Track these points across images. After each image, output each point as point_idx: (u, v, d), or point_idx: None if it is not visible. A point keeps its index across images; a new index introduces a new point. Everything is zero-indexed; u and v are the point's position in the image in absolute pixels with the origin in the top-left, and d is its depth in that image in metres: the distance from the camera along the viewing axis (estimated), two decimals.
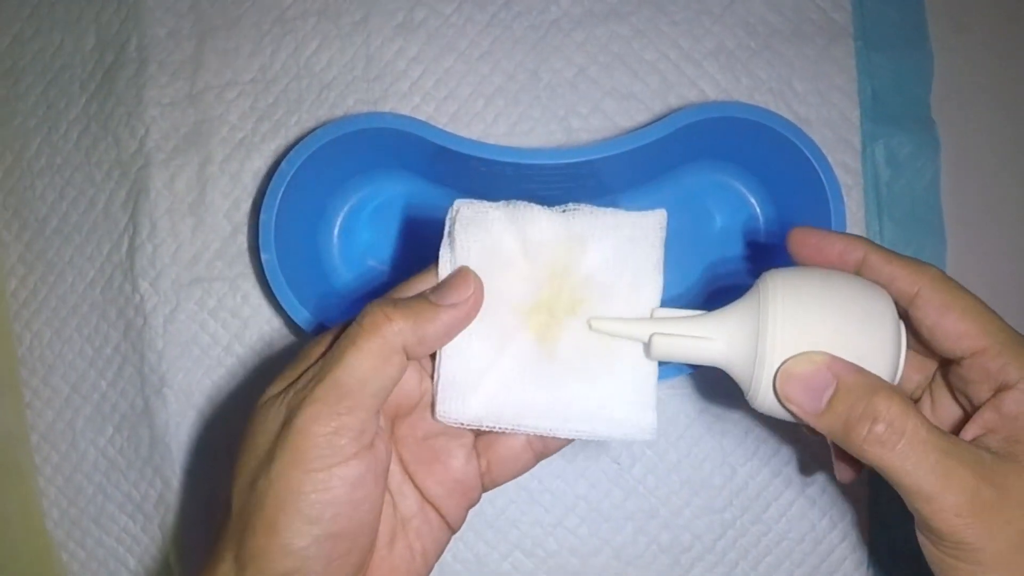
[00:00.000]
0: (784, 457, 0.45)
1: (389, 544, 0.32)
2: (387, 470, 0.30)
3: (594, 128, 0.46)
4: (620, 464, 0.46)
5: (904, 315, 0.31)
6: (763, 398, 0.30)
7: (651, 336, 0.31)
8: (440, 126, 0.46)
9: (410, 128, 0.42)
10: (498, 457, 0.33)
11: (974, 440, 0.29)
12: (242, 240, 0.47)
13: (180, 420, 0.47)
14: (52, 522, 0.48)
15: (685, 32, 0.46)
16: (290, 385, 0.29)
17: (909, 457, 0.27)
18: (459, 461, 0.33)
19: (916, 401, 0.34)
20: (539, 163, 0.42)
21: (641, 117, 0.46)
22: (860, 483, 0.45)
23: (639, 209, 0.33)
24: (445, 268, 0.32)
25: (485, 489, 0.34)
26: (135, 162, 0.47)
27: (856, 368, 0.29)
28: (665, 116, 0.42)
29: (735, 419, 0.46)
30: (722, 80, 0.46)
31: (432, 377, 0.32)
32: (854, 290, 0.30)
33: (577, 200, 0.45)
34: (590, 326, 0.31)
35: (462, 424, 0.31)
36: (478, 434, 0.33)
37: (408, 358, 0.29)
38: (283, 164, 0.42)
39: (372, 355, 0.28)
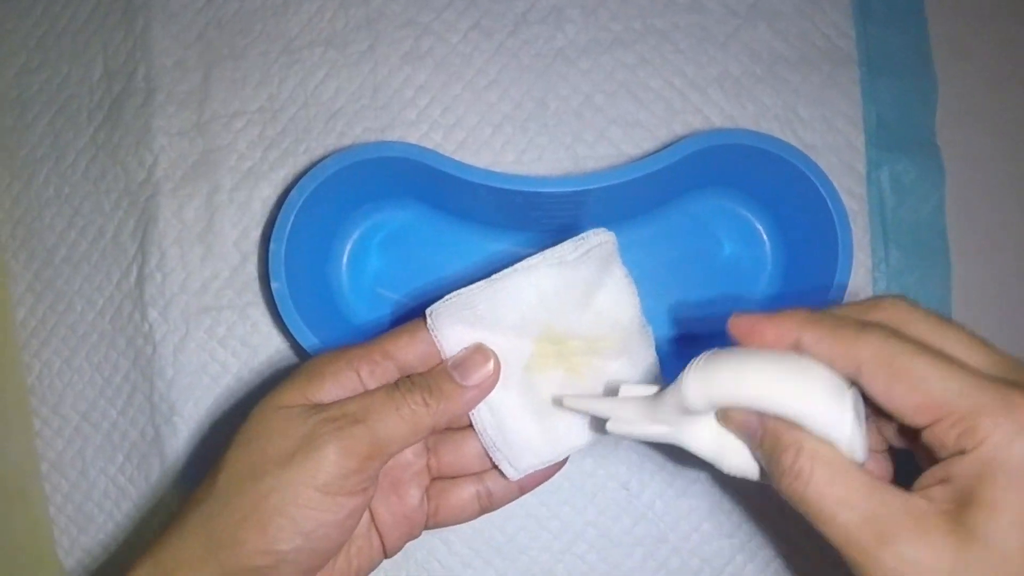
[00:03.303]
0: None
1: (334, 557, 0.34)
2: None
3: (600, 156, 0.47)
4: (629, 490, 0.46)
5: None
6: (730, 461, 0.31)
7: (606, 424, 0.32)
8: (448, 154, 0.46)
9: (419, 157, 0.42)
10: (448, 504, 0.36)
11: (923, 490, 0.27)
12: (251, 268, 0.47)
13: (190, 448, 0.47)
14: (63, 550, 0.49)
15: (690, 60, 0.47)
16: (319, 407, 0.32)
17: (812, 509, 0.27)
18: (414, 500, 0.35)
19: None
20: (547, 191, 0.42)
21: (647, 144, 0.47)
22: None
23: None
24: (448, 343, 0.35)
25: (426, 528, 0.37)
26: (144, 191, 0.48)
27: (775, 419, 0.29)
28: (671, 144, 0.42)
29: None
30: (727, 107, 0.47)
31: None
32: (782, 364, 0.28)
33: (584, 226, 0.46)
34: (563, 403, 0.34)
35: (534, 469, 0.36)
36: (433, 479, 0.36)
37: (433, 432, 0.33)
38: (292, 193, 0.42)
39: (409, 426, 0.32)
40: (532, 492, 0.46)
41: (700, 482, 0.46)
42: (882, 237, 0.46)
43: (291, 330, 0.42)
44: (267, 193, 0.47)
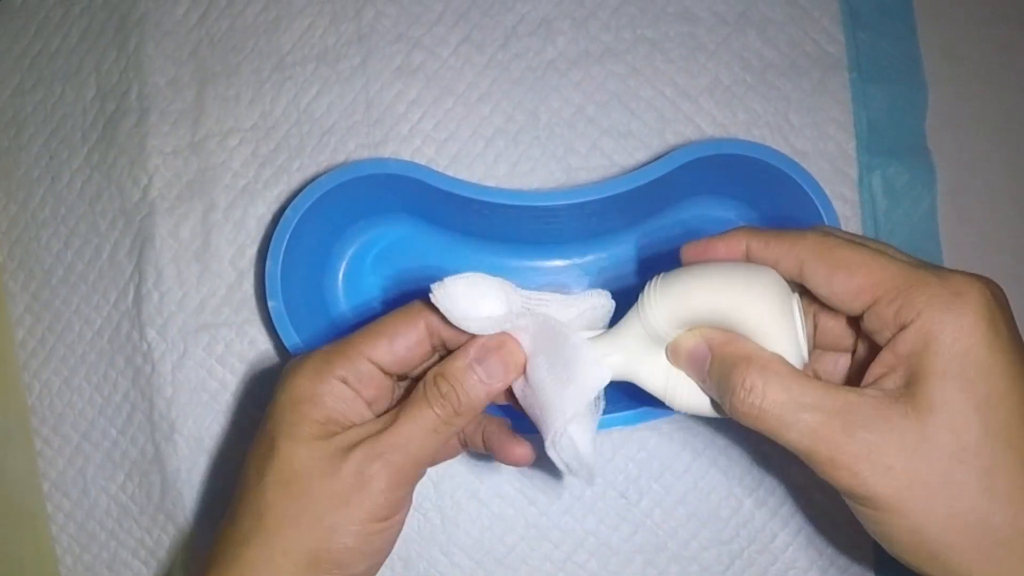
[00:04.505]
0: (789, 487, 0.46)
1: None
2: None
3: (593, 167, 0.47)
4: (628, 499, 0.46)
5: (803, 291, 0.31)
6: (680, 397, 0.32)
7: None
8: (441, 168, 0.46)
9: (412, 173, 0.42)
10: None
11: (875, 382, 0.29)
12: (248, 286, 0.47)
13: (191, 466, 0.47)
14: (66, 568, 0.49)
15: (681, 69, 0.47)
16: (347, 433, 0.32)
17: (773, 421, 0.28)
18: None
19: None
20: (539, 205, 0.43)
21: (639, 155, 0.47)
22: None
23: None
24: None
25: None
26: (139, 211, 0.48)
27: (727, 339, 0.30)
28: (663, 154, 0.43)
29: (740, 452, 0.46)
30: (719, 115, 0.47)
31: None
32: (734, 269, 0.31)
33: (579, 237, 0.47)
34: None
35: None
36: None
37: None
38: (287, 212, 0.42)
39: (443, 439, 0.33)
40: (532, 503, 0.46)
41: (697, 489, 0.46)
42: None
43: (289, 348, 0.42)
44: (262, 211, 0.47)
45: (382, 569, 0.46)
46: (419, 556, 0.47)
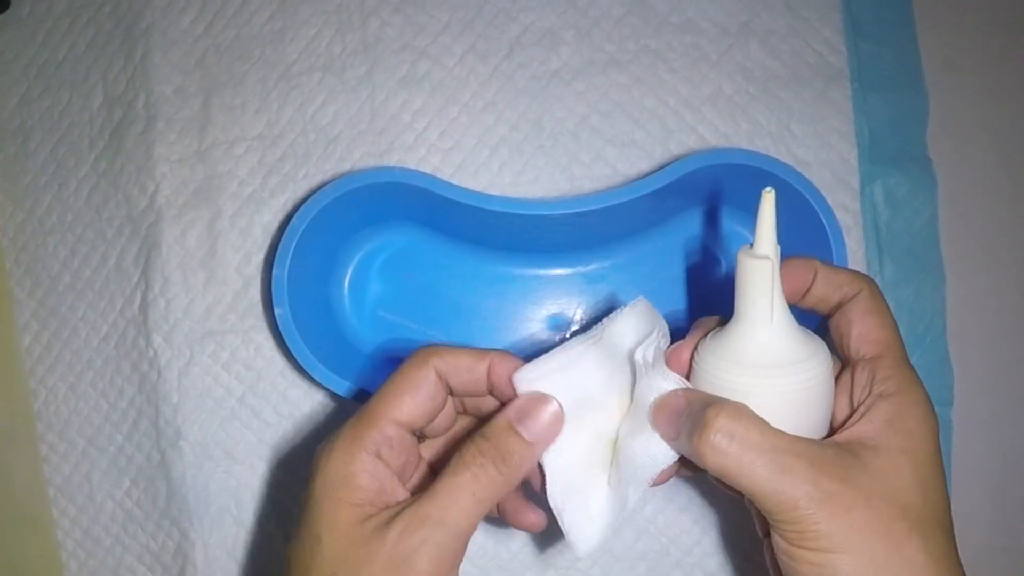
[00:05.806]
0: None
1: None
2: None
3: (597, 176, 0.47)
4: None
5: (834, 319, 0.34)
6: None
7: None
8: (446, 177, 0.47)
9: (418, 182, 0.43)
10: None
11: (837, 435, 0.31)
12: (254, 293, 0.47)
13: (196, 472, 0.47)
14: (71, 574, 0.49)
15: (684, 79, 0.47)
16: (384, 510, 0.31)
17: (744, 459, 0.28)
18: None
19: None
20: (544, 214, 0.43)
21: (643, 164, 0.47)
22: None
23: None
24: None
25: None
26: (146, 218, 0.48)
27: (702, 393, 0.31)
28: (667, 164, 0.43)
29: None
30: (721, 125, 0.47)
31: None
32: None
33: (582, 245, 0.47)
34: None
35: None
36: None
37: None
38: (294, 220, 0.43)
39: (487, 506, 0.31)
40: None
41: (701, 496, 0.46)
42: (876, 250, 0.47)
43: (295, 355, 0.42)
44: (268, 219, 0.48)
45: None
46: None
